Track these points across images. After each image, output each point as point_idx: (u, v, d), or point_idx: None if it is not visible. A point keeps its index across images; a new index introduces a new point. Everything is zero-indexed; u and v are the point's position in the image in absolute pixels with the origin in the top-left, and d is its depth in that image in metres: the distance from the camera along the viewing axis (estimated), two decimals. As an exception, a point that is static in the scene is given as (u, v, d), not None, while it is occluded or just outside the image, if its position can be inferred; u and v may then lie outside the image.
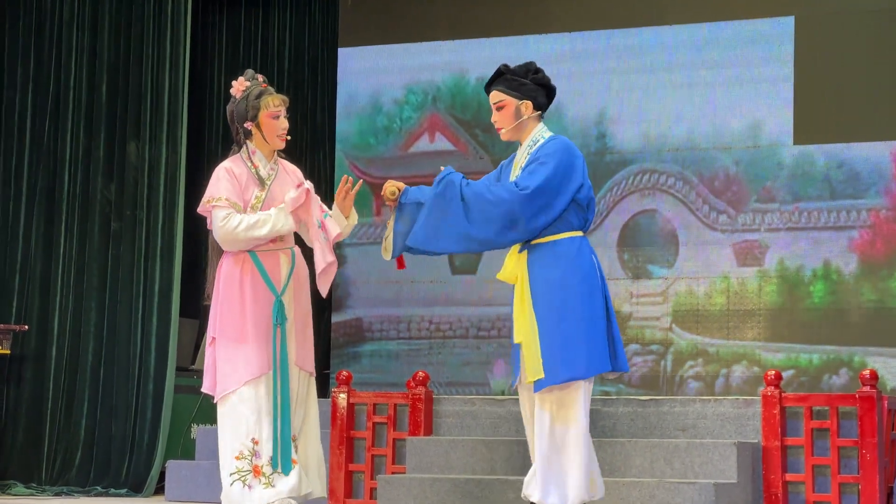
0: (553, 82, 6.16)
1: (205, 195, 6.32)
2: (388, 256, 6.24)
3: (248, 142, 6.38)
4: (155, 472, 9.54)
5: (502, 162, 6.30)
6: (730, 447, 7.25)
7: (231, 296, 6.24)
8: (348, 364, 9.95)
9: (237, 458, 6.08)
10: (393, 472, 7.95)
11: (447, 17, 10.21)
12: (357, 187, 6.35)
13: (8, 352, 9.58)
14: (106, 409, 9.90)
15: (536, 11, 9.95)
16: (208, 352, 6.30)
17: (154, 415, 9.70)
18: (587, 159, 9.75)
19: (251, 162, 6.35)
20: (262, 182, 6.32)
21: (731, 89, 9.44)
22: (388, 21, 10.35)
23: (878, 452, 7.18)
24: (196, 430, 9.52)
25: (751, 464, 7.36)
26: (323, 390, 10.50)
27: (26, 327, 9.85)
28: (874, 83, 9.12)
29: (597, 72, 9.74)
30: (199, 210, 6.34)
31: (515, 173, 6.06)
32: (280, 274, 6.28)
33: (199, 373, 10.01)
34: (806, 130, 9.26)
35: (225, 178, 6.30)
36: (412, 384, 8.11)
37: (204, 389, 6.31)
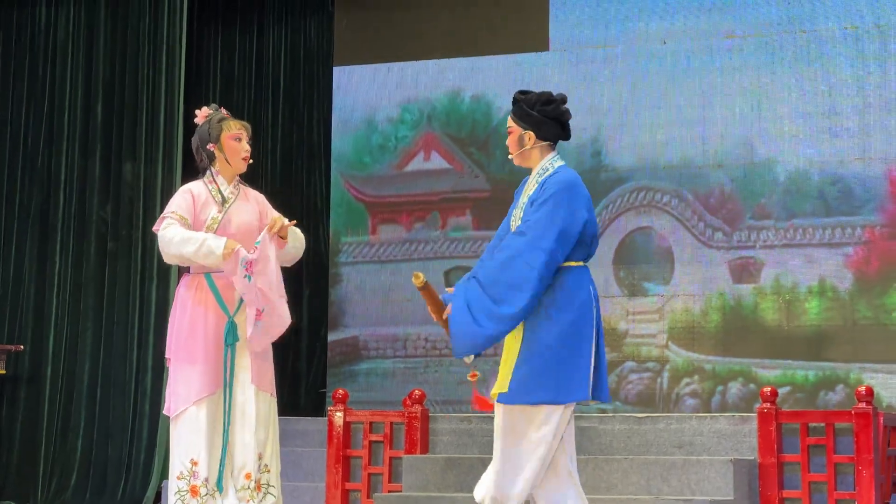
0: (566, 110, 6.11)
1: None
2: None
3: (211, 165, 6.45)
4: (151, 493, 9.53)
5: (516, 190, 6.30)
6: (726, 464, 7.25)
7: (183, 317, 6.31)
8: (344, 382, 9.95)
9: (178, 477, 6.17)
10: (389, 491, 7.94)
11: (442, 35, 10.22)
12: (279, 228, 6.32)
13: (3, 372, 9.58)
14: (102, 429, 9.89)
15: (531, 30, 9.97)
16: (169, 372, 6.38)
17: (150, 435, 9.69)
18: (582, 176, 9.79)
19: (214, 184, 6.43)
20: (221, 203, 6.38)
21: (726, 106, 9.46)
22: (383, 39, 10.36)
23: (874, 469, 7.18)
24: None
25: (747, 481, 7.36)
26: (319, 409, 10.51)
27: (21, 347, 9.85)
28: (867, 100, 9.13)
29: (592, 90, 9.76)
30: (154, 228, 6.42)
31: (523, 201, 6.07)
32: (234, 295, 6.30)
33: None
34: (800, 147, 9.28)
35: (180, 196, 6.42)
36: (408, 402, 8.10)
37: (164, 411, 6.36)
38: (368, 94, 10.38)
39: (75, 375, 10.00)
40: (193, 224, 6.34)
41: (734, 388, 9.24)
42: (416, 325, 10.02)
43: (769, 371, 9.16)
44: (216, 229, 6.34)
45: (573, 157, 9.61)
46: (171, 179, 9.85)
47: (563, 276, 5.90)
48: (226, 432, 6.23)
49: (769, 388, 7.52)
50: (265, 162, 11.28)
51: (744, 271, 9.34)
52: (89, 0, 10.34)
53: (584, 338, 5.87)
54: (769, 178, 9.33)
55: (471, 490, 7.63)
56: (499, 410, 5.86)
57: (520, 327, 5.90)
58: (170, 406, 6.29)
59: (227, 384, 6.26)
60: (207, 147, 6.44)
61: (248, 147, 6.47)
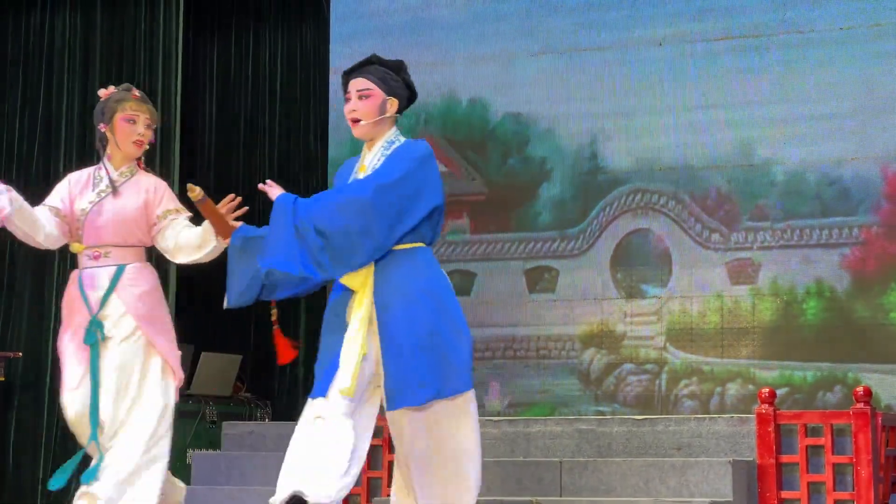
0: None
1: None
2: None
3: (104, 149, 6.13)
4: (150, 498, 9.51)
5: (337, 172, 5.70)
6: (725, 465, 7.26)
7: (62, 309, 6.19)
8: (343, 387, 9.92)
9: None
10: (388, 495, 7.93)
11: (436, 38, 10.23)
12: (240, 212, 5.82)
13: (2, 378, 9.57)
14: (100, 435, 9.87)
15: (528, 32, 9.97)
16: None
17: (149, 440, 9.66)
18: (580, 179, 9.83)
19: (102, 169, 6.12)
20: (102, 190, 6.08)
21: (723, 108, 9.46)
22: (378, 43, 10.36)
23: (872, 469, 7.19)
24: (192, 456, 9.51)
25: (746, 482, 7.36)
26: (318, 414, 10.48)
27: (19, 354, 9.84)
28: (863, 100, 9.14)
29: (589, 92, 9.76)
30: None
31: (366, 174, 5.44)
32: (96, 292, 6.05)
33: (195, 397, 10.02)
34: (797, 148, 9.28)
35: (58, 185, 6.19)
36: (407, 406, 8.09)
37: None
38: (365, 99, 10.36)
39: (73, 382, 9.98)
40: (70, 212, 6.09)
41: (732, 389, 9.24)
42: (414, 329, 10.01)
43: (767, 372, 9.16)
44: (87, 216, 6.05)
45: (570, 159, 9.61)
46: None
47: (423, 257, 5.39)
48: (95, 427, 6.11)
49: (767, 390, 7.52)
50: (261, 167, 11.28)
51: (741, 272, 9.34)
52: (85, 6, 10.35)
53: (460, 321, 5.32)
54: (766, 179, 9.34)
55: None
56: (406, 417, 5.31)
57: (374, 318, 5.30)
58: None
59: (92, 386, 6.07)
60: (98, 127, 6.10)
61: (143, 131, 6.06)
